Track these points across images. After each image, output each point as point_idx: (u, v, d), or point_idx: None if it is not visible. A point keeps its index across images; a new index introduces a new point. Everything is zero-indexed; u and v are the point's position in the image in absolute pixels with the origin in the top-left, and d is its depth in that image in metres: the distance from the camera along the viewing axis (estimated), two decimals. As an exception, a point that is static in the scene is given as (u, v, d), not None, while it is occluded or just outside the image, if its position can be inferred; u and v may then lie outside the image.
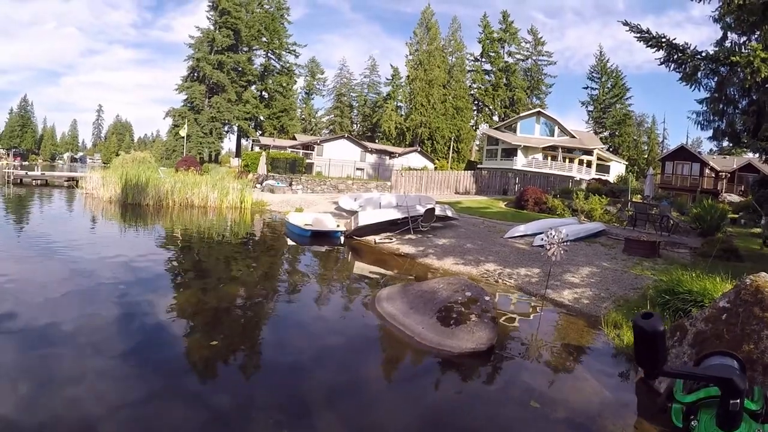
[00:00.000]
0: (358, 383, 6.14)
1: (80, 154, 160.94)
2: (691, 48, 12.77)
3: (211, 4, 71.32)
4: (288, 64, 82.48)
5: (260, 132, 76.35)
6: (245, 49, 76.01)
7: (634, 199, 26.05)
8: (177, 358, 6.49)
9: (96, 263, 11.79)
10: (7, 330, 6.89)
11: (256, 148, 61.37)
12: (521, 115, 62.81)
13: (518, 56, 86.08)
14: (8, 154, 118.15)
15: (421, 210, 18.10)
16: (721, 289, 7.42)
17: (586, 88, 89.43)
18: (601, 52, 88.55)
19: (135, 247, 15.08)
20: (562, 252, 9.82)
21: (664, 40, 12.80)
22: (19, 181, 38.53)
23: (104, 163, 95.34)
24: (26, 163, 75.23)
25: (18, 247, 13.94)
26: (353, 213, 19.72)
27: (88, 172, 36.40)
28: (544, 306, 9.89)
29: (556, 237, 9.81)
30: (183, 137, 55.01)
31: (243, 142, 79.90)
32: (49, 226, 17.35)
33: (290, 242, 17.45)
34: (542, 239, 10.78)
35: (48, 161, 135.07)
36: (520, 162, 52.94)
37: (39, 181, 38.90)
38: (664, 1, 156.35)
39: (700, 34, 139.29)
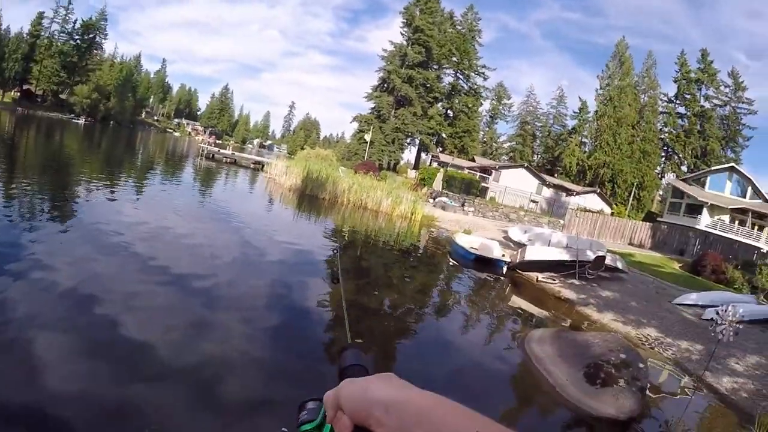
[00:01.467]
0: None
1: (269, 142, 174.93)
2: None
3: (405, 20, 73.97)
4: (475, 86, 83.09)
5: (440, 149, 77.67)
6: (435, 66, 77.77)
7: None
8: (310, 347, 7.14)
9: (266, 242, 13.06)
10: (171, 279, 8.15)
11: (435, 164, 62.77)
12: (712, 168, 58.05)
13: (716, 101, 78.42)
14: (205, 132, 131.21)
15: (591, 256, 17.75)
16: None
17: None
18: (814, 105, 79.14)
19: (304, 234, 16.32)
20: (732, 333, 9.28)
21: None
22: (211, 156, 42.91)
23: (289, 154, 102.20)
24: (219, 142, 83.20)
25: (200, 211, 15.73)
26: (521, 245, 19.73)
27: (274, 159, 39.56)
28: (698, 389, 9.41)
29: (730, 314, 9.30)
30: (366, 142, 57.63)
31: (422, 155, 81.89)
32: (230, 199, 19.13)
33: (452, 262, 17.90)
34: (714, 313, 10.35)
35: (239, 144, 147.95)
36: (704, 222, 49.09)
37: (229, 159, 43.05)
38: None
39: None
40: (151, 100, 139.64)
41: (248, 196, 23.64)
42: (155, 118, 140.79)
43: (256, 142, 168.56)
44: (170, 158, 36.56)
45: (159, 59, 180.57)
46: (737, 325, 9.18)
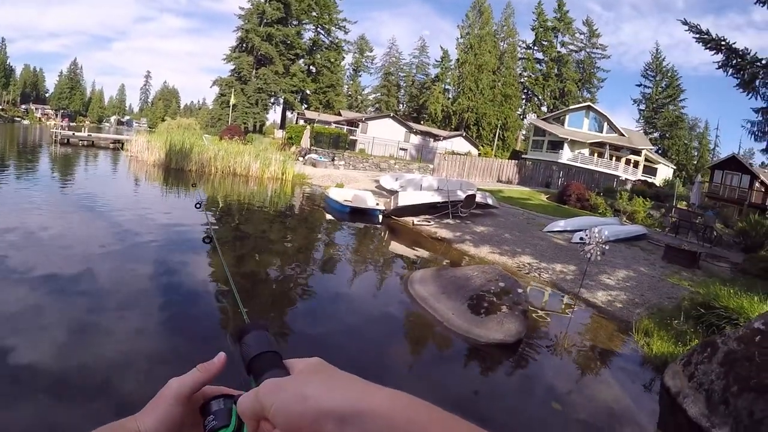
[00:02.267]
0: (383, 362, 6.24)
1: (127, 118, 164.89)
2: (751, 54, 12.37)
3: (262, -25, 71.67)
4: (337, 40, 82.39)
5: (306, 106, 76.65)
6: (294, 22, 76.15)
7: (679, 206, 25.46)
8: (205, 322, 6.68)
9: (136, 223, 12.15)
10: (47, 279, 7.23)
11: (301, 122, 61.82)
12: (570, 107, 61.47)
13: (571, 47, 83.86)
14: (57, 115, 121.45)
15: (461, 195, 18.02)
16: (759, 309, 7.29)
17: (640, 85, 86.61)
18: (657, 50, 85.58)
19: (174, 210, 15.41)
20: (600, 252, 9.64)
21: (723, 43, 12.45)
22: (66, 141, 39.67)
23: (150, 127, 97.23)
24: (74, 124, 76.99)
25: (63, 203, 14.43)
26: (393, 193, 19.75)
27: (133, 135, 37.26)
28: (577, 305, 9.78)
29: (596, 236, 9.63)
30: (229, 106, 55.66)
31: (288, 114, 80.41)
32: (92, 186, 17.85)
33: (329, 217, 17.61)
34: (582, 237, 10.65)
35: (95, 123, 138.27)
36: (565, 156, 52.06)
37: (85, 142, 40.01)
38: (724, 1, 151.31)
39: (761, 40, 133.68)
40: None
41: (111, 179, 21.98)
42: (0, 107, 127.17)
43: (113, 119, 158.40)
44: (21, 150, 33.22)
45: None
46: (603, 245, 9.50)
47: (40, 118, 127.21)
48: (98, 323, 6.04)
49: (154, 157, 26.93)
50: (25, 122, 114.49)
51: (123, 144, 37.19)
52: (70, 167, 25.59)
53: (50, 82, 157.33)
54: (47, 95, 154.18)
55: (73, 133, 42.59)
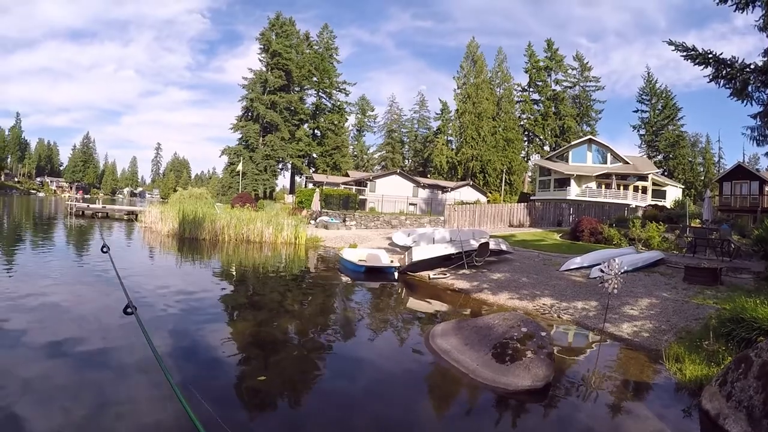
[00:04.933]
0: (411, 419, 6.11)
1: (139, 189, 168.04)
2: (740, 61, 12.52)
3: (262, 46, 73.96)
4: (339, 103, 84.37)
5: (313, 169, 77.83)
6: (297, 88, 78.22)
7: (692, 224, 25.26)
8: (228, 390, 6.59)
9: (153, 294, 12.19)
10: (65, 353, 7.30)
11: (310, 185, 62.52)
12: (572, 143, 62.04)
13: (566, 83, 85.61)
14: (71, 188, 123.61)
15: (475, 244, 18.02)
16: (789, 316, 7.16)
17: (636, 111, 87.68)
18: (648, 73, 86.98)
19: (190, 280, 15.50)
20: (616, 284, 9.53)
21: (711, 56, 12.61)
22: (81, 213, 40.47)
23: (162, 198, 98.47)
24: (88, 196, 78.20)
25: (79, 274, 14.56)
26: (407, 248, 19.68)
27: (147, 206, 37.90)
28: (603, 341, 9.65)
29: (615, 268, 9.57)
30: (239, 174, 56.46)
31: (297, 179, 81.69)
32: (108, 257, 17.98)
33: (344, 278, 17.56)
34: (599, 271, 10.59)
35: (109, 195, 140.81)
36: (573, 192, 52.21)
37: (100, 214, 40.69)
38: (705, 14, 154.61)
39: (746, 44, 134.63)
40: (8, 160, 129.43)
41: (126, 249, 22.21)
42: (16, 179, 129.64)
43: (126, 190, 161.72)
44: (38, 222, 33.97)
45: (10, 114, 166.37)
46: (622, 275, 9.43)
47: (55, 190, 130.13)
48: (113, 394, 6.06)
49: (168, 227, 27.41)
50: (41, 194, 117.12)
51: (137, 215, 37.78)
52: (86, 238, 26.11)
53: (64, 156, 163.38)
54: (61, 168, 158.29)
55: (88, 205, 43.59)
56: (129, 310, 3.63)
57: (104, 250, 6.90)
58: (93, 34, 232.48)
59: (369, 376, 7.61)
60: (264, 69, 73.86)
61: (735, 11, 13.13)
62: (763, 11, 13.20)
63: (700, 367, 7.31)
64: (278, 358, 8.18)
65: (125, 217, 40.49)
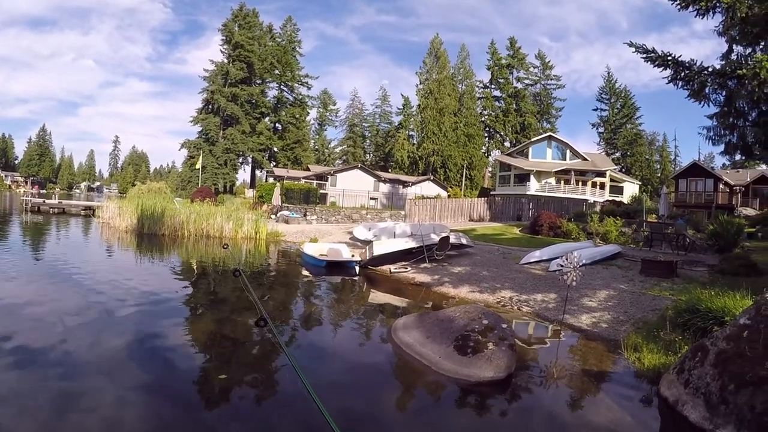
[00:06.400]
0: (375, 413, 6.08)
1: (97, 183, 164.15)
2: (698, 64, 12.77)
3: (224, 38, 72.91)
4: (300, 96, 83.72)
5: (274, 163, 77.11)
6: (258, 81, 77.39)
7: (649, 219, 25.89)
8: (189, 389, 6.46)
9: (111, 292, 11.88)
10: (22, 355, 6.99)
11: (271, 179, 62.02)
12: (532, 140, 62.94)
13: (527, 81, 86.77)
14: (27, 183, 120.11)
15: (435, 238, 18.10)
16: (742, 305, 7.34)
17: (596, 109, 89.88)
18: (608, 73, 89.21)
19: (149, 276, 15.15)
20: (575, 277, 9.70)
21: (670, 58, 12.83)
22: (36, 209, 39.33)
23: (120, 193, 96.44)
24: (44, 191, 75.88)
25: (35, 272, 14.14)
26: (368, 243, 19.62)
27: (104, 201, 36.99)
28: (563, 332, 9.76)
29: (572, 262, 9.70)
30: (198, 168, 55.97)
31: (257, 173, 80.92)
32: (65, 254, 17.55)
33: (305, 273, 17.43)
34: (558, 264, 10.71)
35: (65, 190, 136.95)
36: (533, 187, 52.96)
37: (56, 210, 39.57)
38: (666, 17, 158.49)
39: (705, 48, 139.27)
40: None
41: (84, 246, 21.67)
42: None
43: (83, 185, 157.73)
44: None
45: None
46: (580, 268, 9.57)
47: (9, 185, 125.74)
48: (78, 394, 5.86)
49: (126, 222, 26.76)
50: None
51: (94, 210, 36.90)
52: (42, 235, 25.32)
53: (19, 149, 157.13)
54: (16, 162, 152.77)
55: (44, 201, 42.41)
56: (261, 322, 3.72)
57: (236, 274, 6.81)
58: (53, 22, 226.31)
59: (332, 371, 7.54)
60: (226, 61, 72.79)
61: (696, 17, 13.40)
62: (723, 17, 13.48)
63: (658, 356, 7.45)
64: (239, 355, 8.07)
65: (82, 212, 39.39)
